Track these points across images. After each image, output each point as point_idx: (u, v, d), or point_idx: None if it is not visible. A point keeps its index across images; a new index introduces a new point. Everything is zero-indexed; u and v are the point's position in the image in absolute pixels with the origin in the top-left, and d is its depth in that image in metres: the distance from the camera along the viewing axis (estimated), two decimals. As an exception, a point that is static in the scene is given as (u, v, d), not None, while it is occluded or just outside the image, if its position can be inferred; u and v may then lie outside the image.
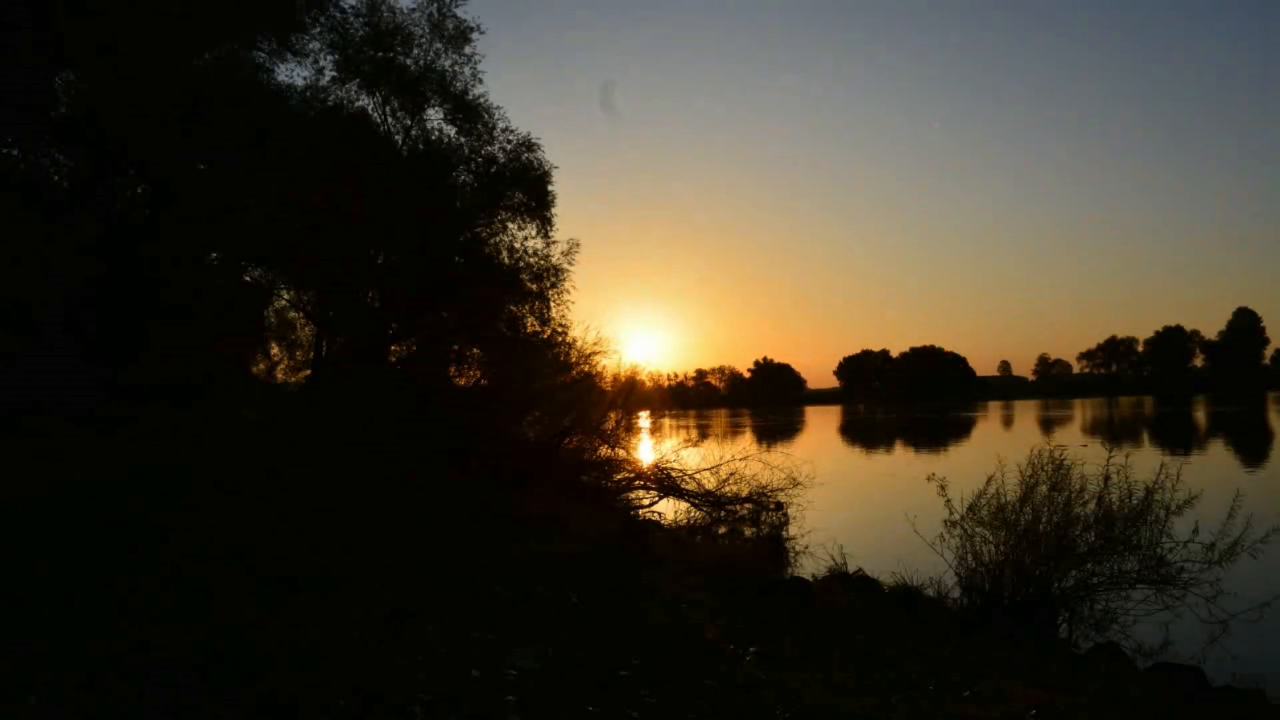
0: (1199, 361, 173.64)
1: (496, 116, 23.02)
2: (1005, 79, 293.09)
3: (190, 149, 18.43)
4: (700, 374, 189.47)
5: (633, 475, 19.53)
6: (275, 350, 26.00)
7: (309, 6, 20.87)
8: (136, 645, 4.51)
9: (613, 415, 20.27)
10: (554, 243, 23.56)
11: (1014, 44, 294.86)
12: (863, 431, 71.63)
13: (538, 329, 23.11)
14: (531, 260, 23.21)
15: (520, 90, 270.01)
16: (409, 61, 22.43)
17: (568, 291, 23.37)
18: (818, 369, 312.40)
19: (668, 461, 19.56)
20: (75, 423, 14.78)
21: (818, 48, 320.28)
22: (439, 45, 22.54)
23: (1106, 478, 10.32)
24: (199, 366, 20.07)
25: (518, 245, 23.35)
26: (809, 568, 13.22)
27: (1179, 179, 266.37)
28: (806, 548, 14.71)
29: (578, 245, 23.75)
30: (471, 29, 22.68)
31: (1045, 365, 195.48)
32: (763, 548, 14.71)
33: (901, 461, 42.09)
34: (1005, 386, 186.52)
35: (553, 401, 20.17)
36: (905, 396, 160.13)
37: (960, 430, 63.92)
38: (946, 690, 6.06)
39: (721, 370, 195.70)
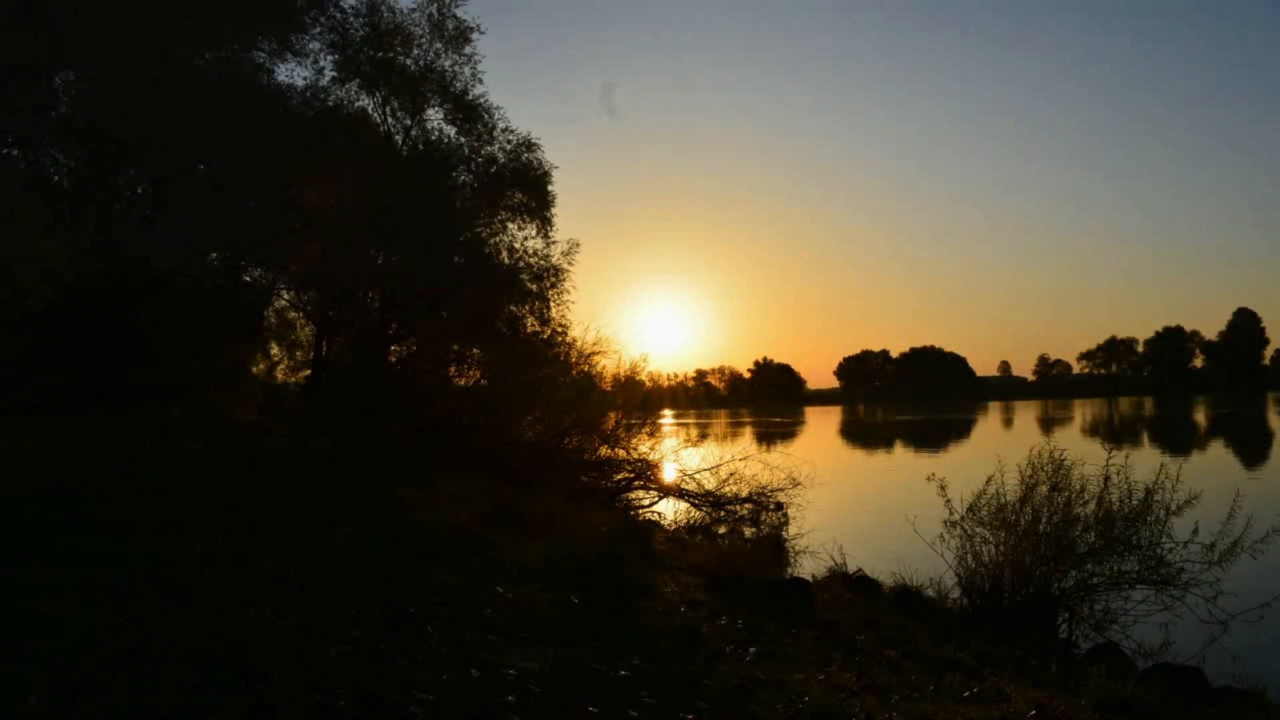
0: (1199, 361, 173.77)
1: (496, 116, 23.12)
2: (1005, 79, 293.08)
3: (190, 149, 18.44)
4: (700, 374, 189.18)
5: (633, 475, 19.53)
6: (275, 350, 26.11)
7: (309, 6, 20.92)
8: (136, 645, 4.51)
9: (612, 415, 20.29)
10: (554, 243, 23.65)
11: (1014, 44, 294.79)
12: (863, 432, 71.59)
13: (538, 329, 23.16)
14: (531, 260, 23.26)
15: (520, 90, 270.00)
16: (409, 61, 22.48)
17: (567, 291, 23.44)
18: (818, 369, 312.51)
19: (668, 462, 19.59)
20: (73, 422, 14.79)
21: (818, 48, 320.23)
22: (439, 45, 22.60)
23: (1106, 478, 10.34)
24: (198, 366, 20.10)
25: (517, 245, 23.43)
26: (809, 568, 13.20)
27: (1179, 179, 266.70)
28: (806, 548, 14.69)
29: (577, 245, 23.83)
30: (471, 29, 22.76)
31: (1045, 365, 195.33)
32: (763, 548, 14.69)
33: (901, 462, 42.11)
34: (1005, 386, 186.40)
35: (553, 401, 20.17)
36: (905, 397, 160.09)
37: (960, 430, 63.90)
38: (946, 691, 6.06)
39: (721, 370, 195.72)
